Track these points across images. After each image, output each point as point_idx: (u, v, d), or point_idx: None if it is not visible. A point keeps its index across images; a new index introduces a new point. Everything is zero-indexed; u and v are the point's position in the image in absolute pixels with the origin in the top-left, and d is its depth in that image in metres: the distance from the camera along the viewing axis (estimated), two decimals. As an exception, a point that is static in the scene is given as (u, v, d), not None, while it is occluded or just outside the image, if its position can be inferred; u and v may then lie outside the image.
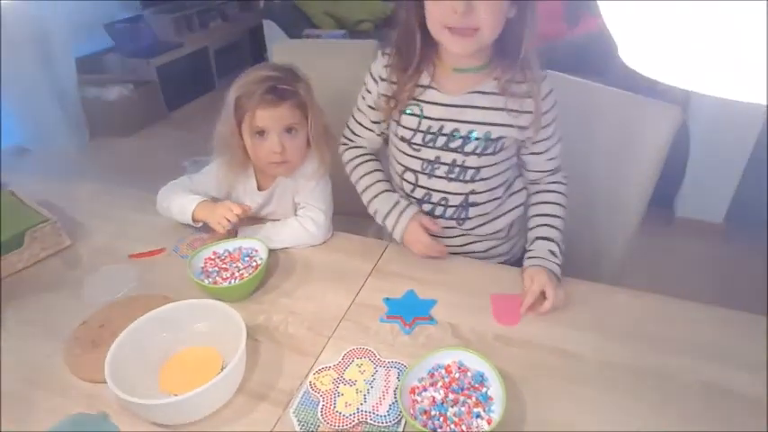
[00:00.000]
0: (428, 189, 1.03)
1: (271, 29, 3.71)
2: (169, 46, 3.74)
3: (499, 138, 0.97)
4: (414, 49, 0.94)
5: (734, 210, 2.30)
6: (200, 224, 1.10)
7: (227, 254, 1.01)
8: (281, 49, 1.67)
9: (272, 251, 1.04)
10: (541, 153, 1.04)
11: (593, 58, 2.45)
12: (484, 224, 1.08)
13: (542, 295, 0.91)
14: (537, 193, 1.08)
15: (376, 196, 1.08)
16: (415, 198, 1.06)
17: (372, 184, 1.09)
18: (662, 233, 2.35)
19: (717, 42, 0.25)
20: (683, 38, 0.26)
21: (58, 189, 1.34)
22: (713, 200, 2.33)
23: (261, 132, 1.03)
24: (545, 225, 1.02)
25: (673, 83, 0.29)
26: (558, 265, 0.97)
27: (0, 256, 1.02)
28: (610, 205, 1.23)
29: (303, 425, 0.73)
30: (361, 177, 1.11)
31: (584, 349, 0.85)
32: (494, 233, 1.10)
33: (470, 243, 1.10)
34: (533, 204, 1.08)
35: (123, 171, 2.95)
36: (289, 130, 1.04)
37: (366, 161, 1.12)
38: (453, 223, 1.06)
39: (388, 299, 0.95)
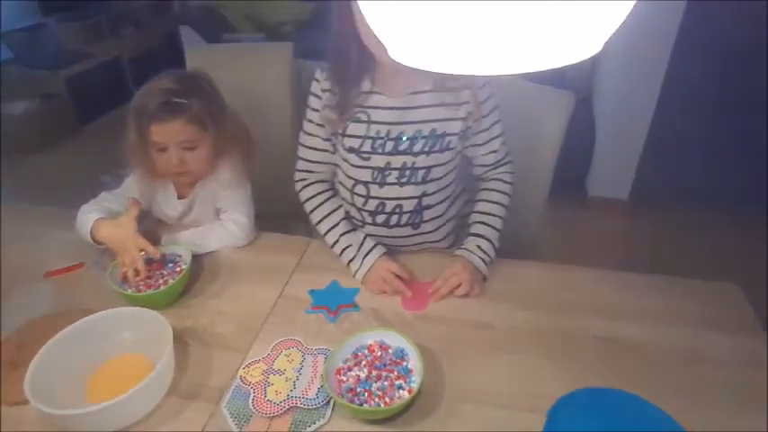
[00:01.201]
0: (381, 198, 1.03)
1: (188, 34, 3.62)
2: (78, 56, 3.56)
3: (444, 134, 0.98)
4: (350, 57, 0.94)
5: (636, 187, 2.52)
6: (105, 246, 1.03)
7: (150, 262, 1.01)
8: (196, 54, 1.64)
9: (196, 256, 1.05)
10: (482, 145, 1.05)
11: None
12: (439, 228, 1.09)
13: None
14: (480, 190, 1.10)
15: (337, 240, 1.05)
16: (367, 211, 1.05)
17: (335, 226, 1.06)
18: (577, 211, 2.53)
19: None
20: (434, 34, 0.34)
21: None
22: (619, 179, 2.53)
23: (159, 146, 1.02)
24: (480, 222, 1.05)
25: (435, 69, 0.36)
26: (482, 260, 1.00)
27: None
28: (518, 187, 1.32)
29: (235, 417, 0.75)
30: (324, 218, 1.07)
31: (496, 319, 0.93)
32: (446, 236, 1.11)
33: (424, 243, 1.10)
34: (475, 201, 1.10)
35: (36, 189, 2.79)
36: (185, 144, 1.03)
37: (326, 200, 1.09)
38: (409, 229, 1.06)
39: (312, 290, 0.99)
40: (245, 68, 1.53)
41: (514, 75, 0.36)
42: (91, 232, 1.03)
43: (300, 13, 3.82)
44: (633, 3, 0.33)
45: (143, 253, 0.98)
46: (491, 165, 1.10)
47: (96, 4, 3.82)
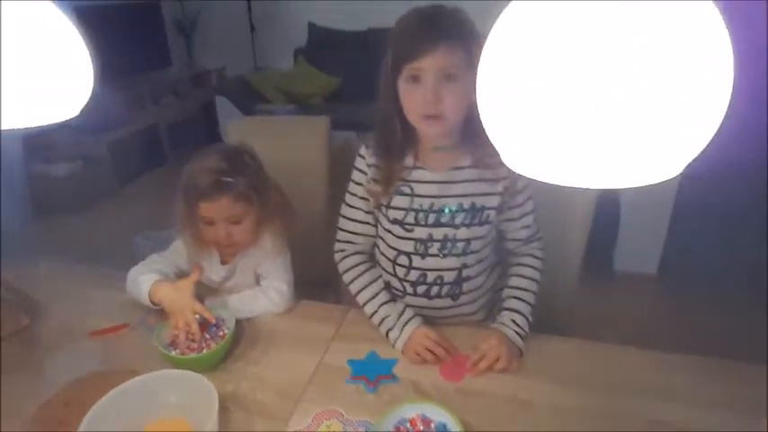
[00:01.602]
0: (422, 269, 1.06)
1: (223, 104, 3.84)
2: (120, 122, 3.78)
3: (483, 207, 1.03)
4: (395, 135, 1.01)
5: (665, 261, 2.50)
6: (159, 307, 1.08)
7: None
8: (237, 127, 1.72)
9: (237, 320, 1.07)
10: (516, 220, 1.09)
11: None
12: (476, 300, 1.11)
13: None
14: (512, 265, 1.14)
15: (377, 311, 1.08)
16: (409, 281, 1.08)
17: (374, 296, 1.10)
18: (604, 286, 2.51)
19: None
20: (542, 151, 0.41)
21: (8, 268, 1.32)
22: (646, 253, 2.52)
23: (207, 220, 1.08)
24: (514, 297, 1.08)
25: (542, 179, 0.43)
26: (518, 333, 1.02)
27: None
28: (549, 263, 1.33)
29: (276, 489, 0.75)
30: (363, 288, 1.11)
31: (537, 397, 0.92)
32: (481, 309, 1.14)
33: (461, 315, 1.12)
34: (508, 276, 1.13)
35: (74, 248, 2.87)
36: (232, 219, 1.08)
37: (366, 270, 1.13)
38: (449, 301, 1.09)
39: (351, 360, 1.00)
40: (284, 140, 1.61)
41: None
42: (149, 293, 1.07)
43: (329, 87, 4.02)
44: (713, 133, 0.38)
45: (197, 316, 1.01)
46: (523, 240, 1.14)
47: (142, 75, 4.09)
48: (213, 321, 1.03)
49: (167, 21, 4.35)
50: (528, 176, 0.44)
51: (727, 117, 0.40)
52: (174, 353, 0.97)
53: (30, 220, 3.27)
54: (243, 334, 1.08)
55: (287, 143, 1.59)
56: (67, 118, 0.65)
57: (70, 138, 3.58)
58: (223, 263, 1.19)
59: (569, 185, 0.41)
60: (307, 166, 1.56)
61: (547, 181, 0.42)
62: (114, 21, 3.58)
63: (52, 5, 0.61)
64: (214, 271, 1.19)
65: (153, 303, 1.08)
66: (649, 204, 2.41)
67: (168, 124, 4.13)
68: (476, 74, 0.46)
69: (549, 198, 1.30)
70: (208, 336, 1.02)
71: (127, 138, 3.75)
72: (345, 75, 3.96)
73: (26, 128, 0.60)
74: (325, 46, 4.11)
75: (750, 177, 2.28)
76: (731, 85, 0.39)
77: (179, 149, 4.08)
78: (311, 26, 4.15)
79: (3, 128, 0.58)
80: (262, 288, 1.16)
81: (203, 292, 1.18)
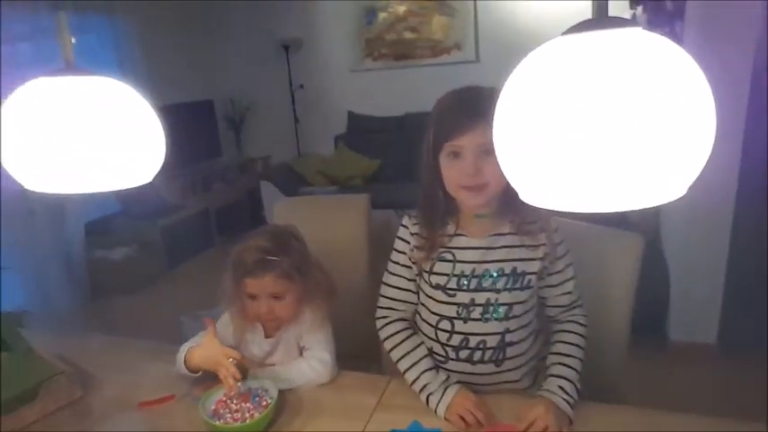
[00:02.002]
0: (465, 334, 1.07)
1: (267, 189, 4.04)
2: (174, 208, 4.01)
3: (524, 273, 1.05)
4: (437, 205, 1.05)
5: (724, 329, 2.35)
6: (199, 373, 1.12)
7: (237, 395, 1.05)
8: (282, 206, 1.80)
9: (280, 391, 1.08)
10: (556, 286, 1.10)
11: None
12: (520, 366, 1.10)
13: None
14: (555, 332, 1.13)
15: (418, 378, 1.08)
16: (452, 346, 1.08)
17: (416, 363, 1.10)
18: (658, 358, 2.37)
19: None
20: (558, 181, 0.46)
21: (66, 343, 1.39)
22: (702, 321, 2.39)
23: (251, 295, 1.13)
24: (559, 364, 1.06)
25: (558, 208, 0.48)
26: (566, 401, 0.99)
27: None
28: (596, 332, 1.29)
29: None
30: (405, 355, 1.11)
31: (589, 469, 0.87)
32: (525, 376, 1.12)
33: (505, 383, 1.10)
34: (552, 343, 1.12)
35: (126, 328, 2.99)
36: (274, 295, 1.13)
37: (407, 337, 1.14)
38: (492, 366, 1.08)
39: (394, 431, 0.98)
40: (326, 217, 1.68)
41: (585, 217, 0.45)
42: (185, 362, 1.11)
43: (368, 169, 4.18)
44: (708, 154, 0.43)
45: (232, 360, 1.06)
46: (565, 306, 1.13)
47: (195, 165, 4.38)
48: (246, 364, 1.07)
49: (219, 117, 4.74)
50: (547, 208, 0.48)
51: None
52: (218, 423, 0.98)
53: (88, 300, 3.43)
54: (285, 405, 1.08)
55: (329, 220, 1.66)
56: (144, 183, 0.79)
57: (127, 224, 3.82)
58: (267, 336, 1.22)
59: (588, 212, 0.45)
60: (348, 242, 1.61)
61: (566, 210, 0.47)
62: (173, 118, 3.90)
63: (138, 94, 0.77)
64: (258, 345, 1.22)
65: (192, 371, 1.12)
66: (700, 270, 2.32)
67: (216, 209, 4.35)
68: None
69: (590, 265, 1.29)
70: (251, 405, 1.03)
71: (179, 222, 3.97)
72: (384, 157, 4.13)
73: (110, 191, 0.74)
74: (364, 131, 4.34)
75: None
76: (714, 128, 0.46)
77: (225, 232, 4.27)
78: (351, 114, 4.42)
79: (94, 191, 0.72)
80: (305, 358, 1.18)
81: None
